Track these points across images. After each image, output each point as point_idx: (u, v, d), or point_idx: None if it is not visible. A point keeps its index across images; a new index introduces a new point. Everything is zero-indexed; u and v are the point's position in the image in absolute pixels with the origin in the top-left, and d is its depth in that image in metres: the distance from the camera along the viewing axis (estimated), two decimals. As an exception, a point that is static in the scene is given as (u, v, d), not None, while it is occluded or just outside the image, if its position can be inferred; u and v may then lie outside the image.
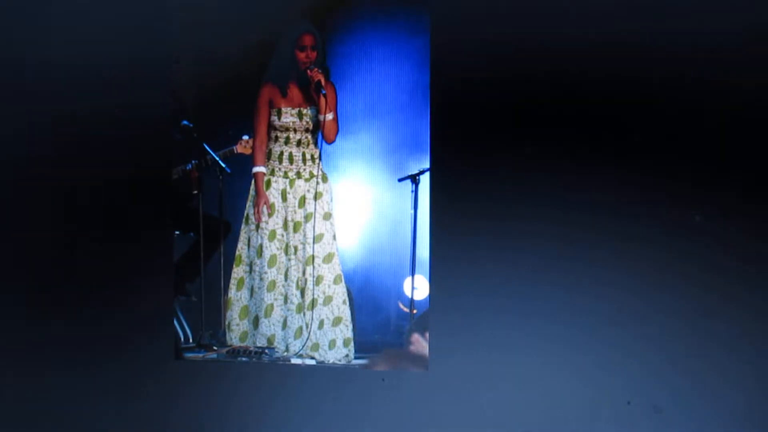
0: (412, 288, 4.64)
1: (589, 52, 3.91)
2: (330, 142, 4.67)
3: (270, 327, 4.70)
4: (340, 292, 4.68)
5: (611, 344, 3.90)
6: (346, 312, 4.68)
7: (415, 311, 4.63)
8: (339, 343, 4.66)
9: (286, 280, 4.72)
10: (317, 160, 4.70)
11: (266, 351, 4.62)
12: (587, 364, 3.93)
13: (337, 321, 4.68)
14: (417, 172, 4.60)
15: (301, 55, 4.62)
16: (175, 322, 4.60)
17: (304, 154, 4.72)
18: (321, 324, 4.67)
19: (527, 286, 3.99)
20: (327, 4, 4.57)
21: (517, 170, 4.01)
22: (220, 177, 4.79)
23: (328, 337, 4.66)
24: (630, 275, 3.88)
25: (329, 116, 4.63)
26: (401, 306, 4.69)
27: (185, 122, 4.72)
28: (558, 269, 3.96)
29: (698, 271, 3.82)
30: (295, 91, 4.69)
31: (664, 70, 3.82)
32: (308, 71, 4.60)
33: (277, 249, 4.72)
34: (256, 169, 4.70)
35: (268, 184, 4.73)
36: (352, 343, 4.66)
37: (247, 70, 4.65)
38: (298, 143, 4.72)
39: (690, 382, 3.83)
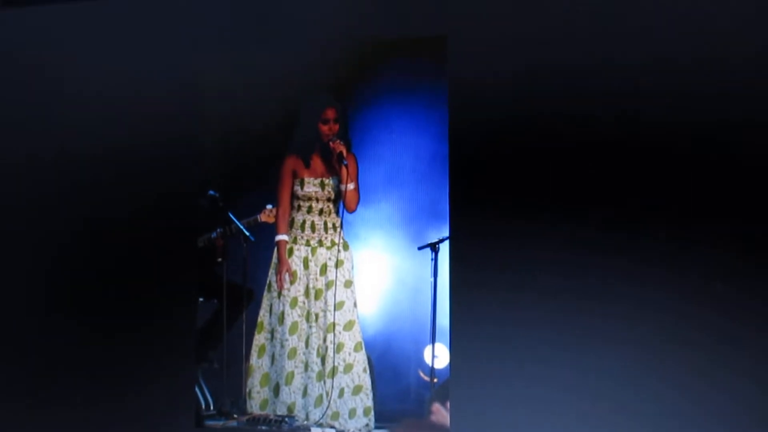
0: (433, 356, 4.63)
1: (611, 123, 3.96)
2: (351, 211, 4.74)
3: (290, 395, 4.69)
4: (360, 360, 4.67)
5: (630, 406, 3.88)
6: (366, 380, 4.66)
7: (435, 380, 4.61)
8: (359, 412, 4.63)
9: (306, 347, 4.73)
10: (339, 229, 4.76)
11: (286, 419, 4.60)
12: (610, 425, 3.91)
13: (357, 389, 4.67)
14: (436, 240, 4.63)
15: (324, 128, 4.73)
16: (196, 389, 4.61)
17: (326, 223, 4.79)
18: (341, 392, 4.66)
19: (548, 353, 3.98)
20: (349, 78, 4.69)
21: (535, 239, 4.03)
22: (245, 245, 4.85)
23: (348, 405, 4.64)
24: (647, 330, 3.88)
25: (350, 186, 4.71)
26: (421, 374, 4.68)
27: (212, 192, 4.81)
28: (578, 337, 3.95)
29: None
30: (317, 162, 4.78)
31: (698, 122, 3.87)
32: (330, 143, 4.71)
33: (299, 316, 4.75)
34: (278, 237, 4.76)
35: (291, 251, 4.78)
36: (372, 413, 4.64)
37: (271, 142, 4.76)
38: (320, 212, 4.79)
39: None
